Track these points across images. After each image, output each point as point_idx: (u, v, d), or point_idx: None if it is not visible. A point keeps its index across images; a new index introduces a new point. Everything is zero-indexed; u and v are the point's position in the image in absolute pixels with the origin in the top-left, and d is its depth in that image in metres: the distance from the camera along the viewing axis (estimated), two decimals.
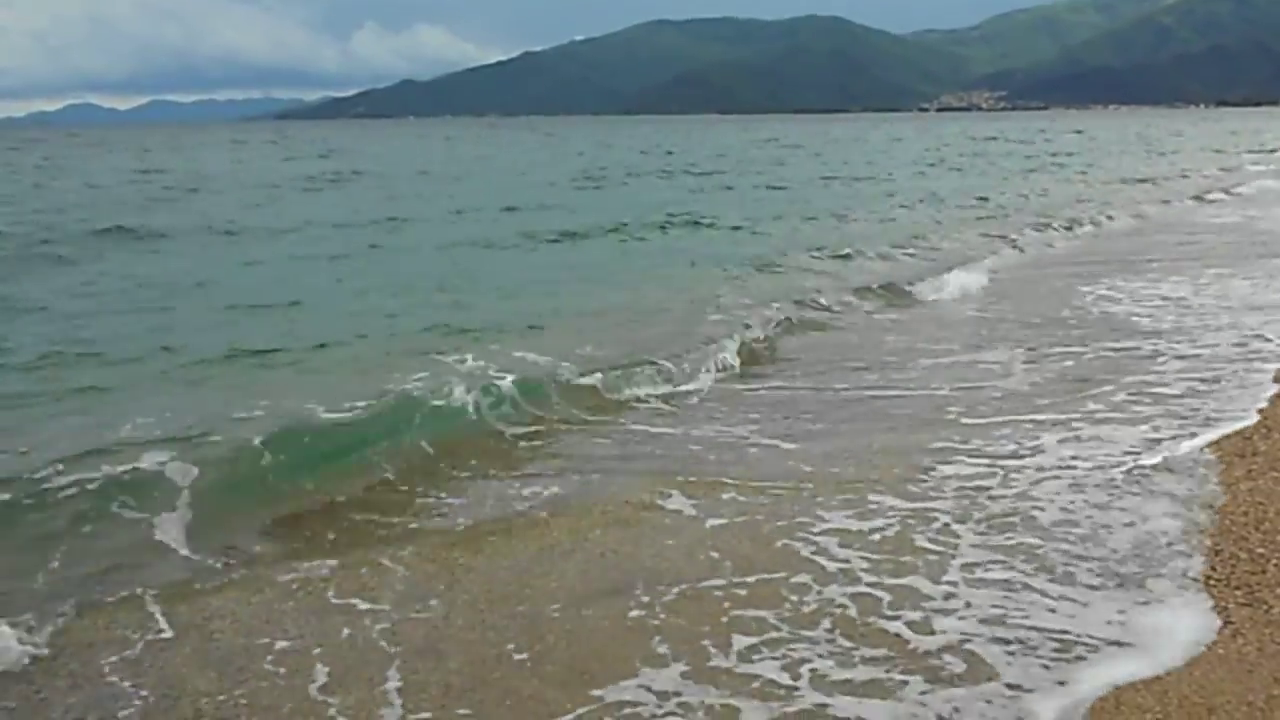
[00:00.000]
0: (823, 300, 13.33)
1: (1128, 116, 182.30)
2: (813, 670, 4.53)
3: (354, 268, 16.47)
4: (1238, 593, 5.04)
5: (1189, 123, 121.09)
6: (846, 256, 17.11)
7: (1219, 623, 4.77)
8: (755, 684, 4.44)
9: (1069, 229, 21.45)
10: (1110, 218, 23.34)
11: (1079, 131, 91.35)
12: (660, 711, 4.26)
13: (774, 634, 4.84)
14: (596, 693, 4.40)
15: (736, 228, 21.53)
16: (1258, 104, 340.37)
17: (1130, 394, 8.60)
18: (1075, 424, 7.83)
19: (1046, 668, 4.47)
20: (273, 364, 9.94)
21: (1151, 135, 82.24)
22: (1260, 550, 5.46)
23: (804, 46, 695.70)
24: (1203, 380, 8.90)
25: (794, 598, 5.18)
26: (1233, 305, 12.52)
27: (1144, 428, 7.63)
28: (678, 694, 4.38)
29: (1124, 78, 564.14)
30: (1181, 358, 9.83)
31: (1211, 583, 5.15)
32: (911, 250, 18.17)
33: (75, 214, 24.33)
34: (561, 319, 11.99)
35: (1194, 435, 7.36)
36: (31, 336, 11.13)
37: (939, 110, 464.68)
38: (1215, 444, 7.16)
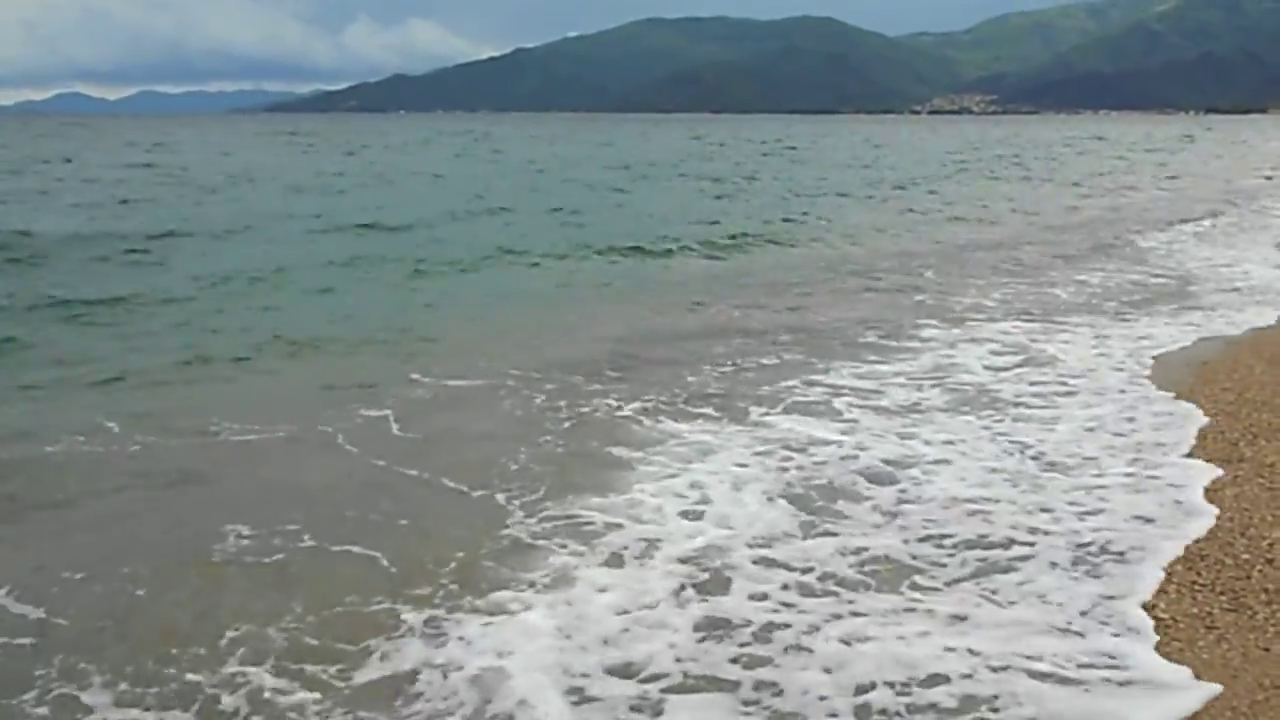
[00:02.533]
0: None
1: (1147, 122, 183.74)
2: None
3: None
4: (1223, 598, 5.07)
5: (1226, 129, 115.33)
6: None
7: (1203, 628, 4.80)
8: None
9: None
10: None
11: (1190, 137, 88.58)
12: None
13: None
14: None
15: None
16: (1246, 111, 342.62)
17: None
18: None
19: None
20: None
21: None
22: (1245, 556, 5.49)
23: (797, 47, 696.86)
24: None
25: None
26: None
27: None
28: None
29: (1114, 83, 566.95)
30: None
31: (1197, 588, 5.18)
32: None
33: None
34: None
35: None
36: None
37: (930, 113, 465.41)
38: (1203, 449, 7.20)
